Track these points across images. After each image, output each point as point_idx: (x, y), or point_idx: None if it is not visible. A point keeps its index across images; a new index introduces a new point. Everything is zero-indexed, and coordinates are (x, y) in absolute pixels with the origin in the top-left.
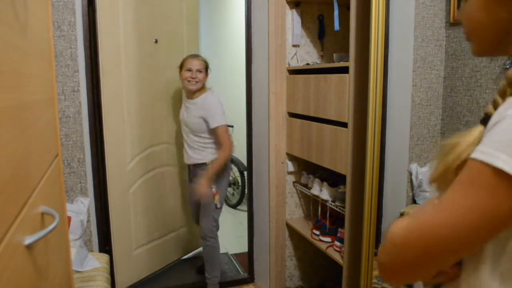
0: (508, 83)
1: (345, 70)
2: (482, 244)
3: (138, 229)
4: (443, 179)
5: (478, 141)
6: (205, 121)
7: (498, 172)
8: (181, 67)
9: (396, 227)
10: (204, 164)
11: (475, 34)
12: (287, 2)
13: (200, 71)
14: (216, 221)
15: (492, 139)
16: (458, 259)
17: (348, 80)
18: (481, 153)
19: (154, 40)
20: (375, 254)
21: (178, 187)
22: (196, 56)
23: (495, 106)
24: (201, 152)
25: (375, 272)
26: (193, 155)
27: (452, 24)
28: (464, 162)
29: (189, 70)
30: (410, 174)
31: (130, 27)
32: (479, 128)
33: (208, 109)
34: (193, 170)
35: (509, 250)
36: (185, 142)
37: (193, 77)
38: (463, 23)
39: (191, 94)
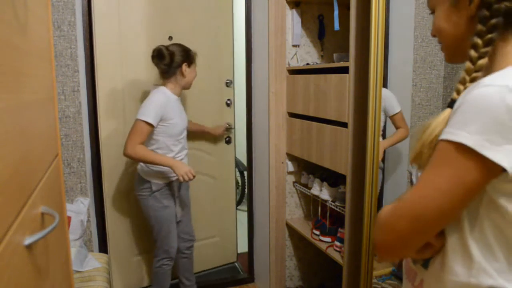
0: (466, 73)
1: (345, 70)
2: (459, 212)
3: (140, 235)
4: (421, 156)
5: (446, 120)
6: None
7: (460, 147)
8: (188, 61)
9: (384, 210)
10: None
11: (445, 43)
12: (287, 2)
13: None
14: None
15: (454, 121)
16: (442, 227)
17: (348, 80)
18: (446, 133)
19: (168, 37)
20: (375, 254)
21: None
22: None
23: (458, 92)
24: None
25: (375, 272)
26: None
27: None
28: (436, 138)
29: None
30: (410, 174)
31: (135, 25)
32: (447, 110)
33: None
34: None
35: (480, 217)
36: (184, 150)
37: None
38: (436, 36)
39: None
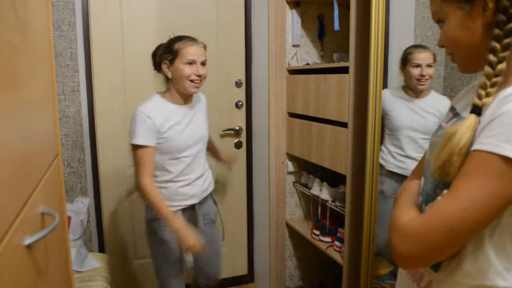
0: (486, 78)
1: (345, 70)
2: (491, 222)
3: (141, 238)
4: (449, 165)
5: (473, 126)
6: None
7: (505, 159)
8: (171, 54)
9: (406, 219)
10: (212, 192)
11: (458, 52)
12: (287, 2)
13: (204, 64)
14: None
15: (494, 133)
16: (474, 237)
17: (348, 80)
18: (487, 145)
19: (170, 36)
20: (375, 254)
21: None
22: (196, 40)
23: (480, 97)
24: (208, 170)
25: (375, 272)
26: (210, 178)
27: None
28: (465, 146)
29: (191, 62)
30: None
31: (135, 23)
32: (472, 117)
33: (206, 103)
34: (203, 204)
35: (501, 225)
36: (193, 172)
37: (199, 75)
38: (446, 46)
39: (188, 98)
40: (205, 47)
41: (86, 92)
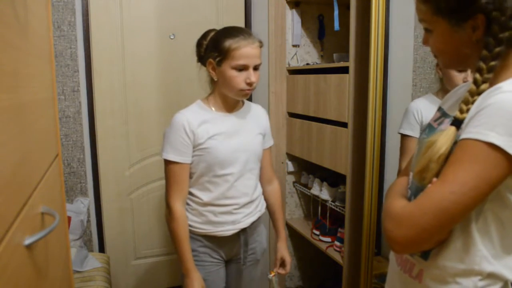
0: (470, 94)
1: (345, 70)
2: (478, 205)
3: (141, 238)
4: (427, 170)
5: (453, 137)
6: (263, 139)
7: (490, 146)
8: (219, 54)
9: (400, 205)
10: (260, 217)
11: (443, 56)
12: (287, 2)
13: (257, 68)
14: None
15: (480, 123)
16: (462, 220)
17: (348, 80)
18: (474, 134)
19: (170, 36)
20: (375, 254)
21: None
22: (252, 37)
23: (462, 112)
24: (260, 195)
25: (375, 272)
26: (257, 204)
27: None
28: (443, 155)
29: (244, 68)
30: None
31: (135, 23)
32: (452, 129)
33: (266, 120)
34: (248, 233)
35: (485, 210)
36: (246, 191)
37: (250, 83)
38: (431, 48)
39: (235, 105)
40: (261, 45)
41: (86, 92)
